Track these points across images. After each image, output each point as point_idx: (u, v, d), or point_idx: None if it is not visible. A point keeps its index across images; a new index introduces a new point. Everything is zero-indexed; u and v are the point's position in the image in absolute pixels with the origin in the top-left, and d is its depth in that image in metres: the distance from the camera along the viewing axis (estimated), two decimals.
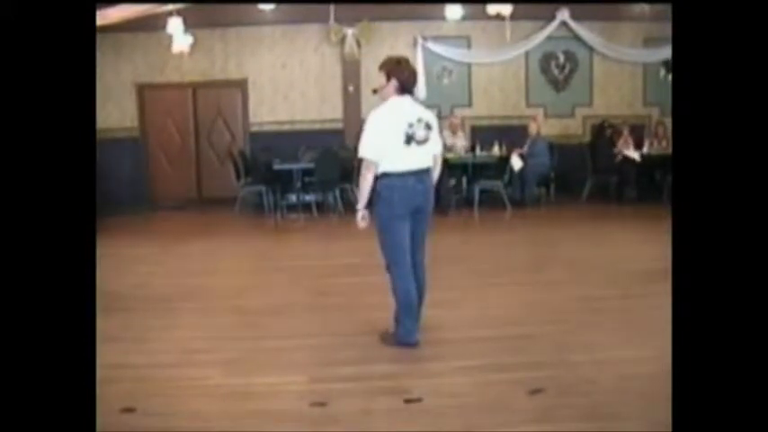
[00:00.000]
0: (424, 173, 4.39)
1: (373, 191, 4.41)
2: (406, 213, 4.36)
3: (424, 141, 4.35)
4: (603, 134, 11.59)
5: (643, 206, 10.52)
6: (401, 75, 4.37)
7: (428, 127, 4.38)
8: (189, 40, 10.02)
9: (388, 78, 4.38)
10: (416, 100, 4.54)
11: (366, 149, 4.35)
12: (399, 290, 4.41)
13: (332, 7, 10.66)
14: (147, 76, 11.88)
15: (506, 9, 9.84)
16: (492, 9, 9.95)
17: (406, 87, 4.39)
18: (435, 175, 4.57)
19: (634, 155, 11.13)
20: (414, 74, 4.46)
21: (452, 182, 10.97)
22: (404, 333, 4.44)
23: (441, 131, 4.74)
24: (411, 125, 4.31)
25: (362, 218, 4.45)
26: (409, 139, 4.31)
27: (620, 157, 11.15)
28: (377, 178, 4.38)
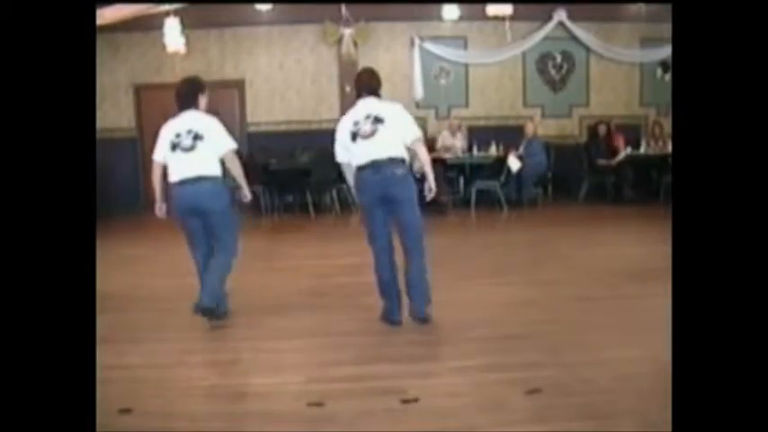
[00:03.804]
0: (380, 163, 4.69)
1: None
2: (373, 202, 4.76)
3: (369, 135, 4.71)
4: (598, 133, 11.58)
5: (640, 206, 10.53)
6: (355, 82, 5.04)
7: (377, 120, 4.72)
8: (182, 40, 10.00)
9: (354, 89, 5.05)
10: (383, 99, 4.94)
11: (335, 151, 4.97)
12: (375, 272, 4.94)
13: (343, 7, 10.69)
14: (143, 77, 11.86)
15: (505, 10, 9.85)
16: (492, 10, 9.95)
17: (360, 91, 4.92)
18: (422, 162, 4.87)
19: (622, 155, 11.19)
20: (365, 78, 4.96)
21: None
22: (383, 312, 4.96)
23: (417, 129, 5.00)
24: (356, 123, 4.76)
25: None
26: (354, 135, 4.75)
27: (615, 160, 11.19)
28: None
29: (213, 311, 4.89)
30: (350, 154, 4.81)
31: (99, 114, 11.37)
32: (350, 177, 4.96)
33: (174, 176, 4.94)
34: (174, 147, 4.93)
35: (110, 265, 6.85)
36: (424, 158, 4.86)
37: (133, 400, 3.66)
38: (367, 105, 4.82)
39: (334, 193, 10.90)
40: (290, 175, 10.79)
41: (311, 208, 10.65)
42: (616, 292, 5.68)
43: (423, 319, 4.81)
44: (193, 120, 5.02)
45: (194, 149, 4.91)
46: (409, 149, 4.82)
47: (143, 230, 10.32)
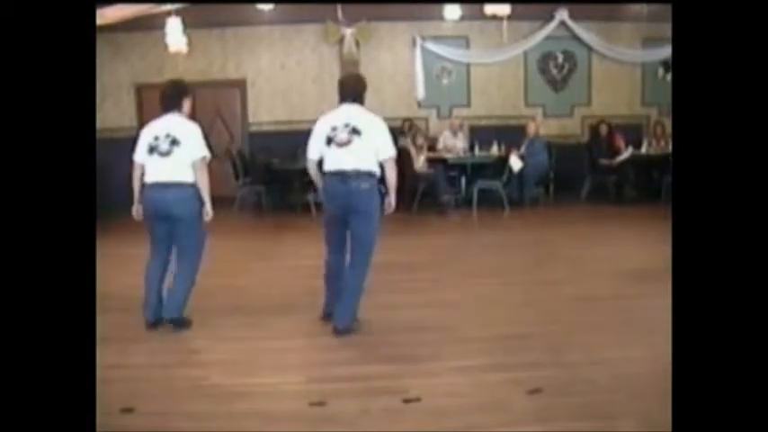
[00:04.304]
0: (347, 174, 4.69)
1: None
2: (334, 210, 4.81)
3: (344, 144, 4.70)
4: (599, 133, 11.56)
5: (642, 206, 10.52)
6: (339, 88, 4.96)
7: (354, 131, 4.70)
8: (184, 39, 10.00)
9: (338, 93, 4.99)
10: (365, 108, 4.89)
11: (307, 148, 4.95)
12: (324, 265, 5.01)
13: (339, 6, 10.68)
14: (145, 77, 11.85)
15: (503, 10, 9.83)
16: (489, 9, 9.94)
17: (342, 96, 4.90)
18: (388, 181, 4.85)
19: (626, 154, 11.19)
20: (350, 84, 4.94)
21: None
22: (325, 305, 5.03)
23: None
24: (334, 129, 4.75)
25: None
26: (329, 140, 4.74)
27: (617, 160, 11.18)
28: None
29: (183, 321, 4.96)
30: (324, 157, 4.83)
31: (101, 114, 11.39)
32: (314, 174, 5.01)
33: (146, 179, 4.97)
34: (152, 150, 4.94)
35: (112, 265, 6.85)
36: (391, 178, 4.84)
37: (135, 400, 3.66)
38: (348, 113, 4.80)
39: None
40: (292, 175, 10.78)
41: (313, 208, 10.64)
42: (617, 292, 5.68)
43: (340, 331, 4.72)
44: (173, 124, 5.00)
45: (170, 154, 4.90)
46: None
47: (145, 230, 10.31)
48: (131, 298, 5.85)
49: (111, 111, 11.88)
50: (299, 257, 7.74)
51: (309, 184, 10.73)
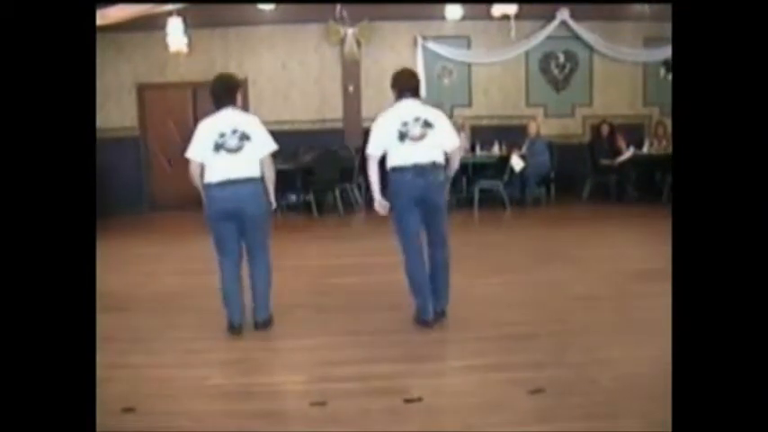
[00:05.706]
0: (424, 168, 4.72)
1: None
2: (410, 204, 4.75)
3: (419, 138, 4.74)
4: (601, 133, 11.56)
5: (643, 206, 10.52)
6: (395, 83, 4.96)
7: (427, 125, 4.76)
8: (185, 40, 10.01)
9: (392, 88, 4.98)
10: (424, 102, 4.98)
11: (367, 146, 4.93)
12: (407, 271, 4.86)
13: (338, 6, 10.69)
14: (146, 76, 11.87)
15: (512, 9, 9.83)
16: (497, 10, 9.93)
17: (402, 92, 4.91)
18: (452, 169, 5.00)
19: (627, 154, 11.19)
20: (407, 79, 4.96)
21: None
22: (416, 311, 4.85)
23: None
24: (405, 124, 4.75)
25: (380, 205, 4.93)
26: (402, 136, 4.74)
27: (618, 160, 11.18)
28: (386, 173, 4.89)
29: (271, 320, 4.99)
30: (392, 153, 4.79)
31: (102, 114, 11.40)
32: (371, 169, 4.89)
33: (213, 177, 4.73)
34: (218, 147, 4.71)
35: (113, 264, 6.86)
36: (456, 167, 5.03)
37: (135, 400, 3.67)
38: (414, 107, 4.84)
39: (338, 192, 10.91)
40: (294, 175, 10.79)
41: (314, 207, 10.66)
42: (619, 292, 5.68)
43: (443, 313, 4.87)
44: (238, 119, 4.83)
45: (241, 150, 4.73)
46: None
47: (147, 229, 10.34)
48: (135, 297, 5.87)
49: (114, 111, 11.89)
50: (301, 258, 7.74)
51: (311, 184, 10.87)
